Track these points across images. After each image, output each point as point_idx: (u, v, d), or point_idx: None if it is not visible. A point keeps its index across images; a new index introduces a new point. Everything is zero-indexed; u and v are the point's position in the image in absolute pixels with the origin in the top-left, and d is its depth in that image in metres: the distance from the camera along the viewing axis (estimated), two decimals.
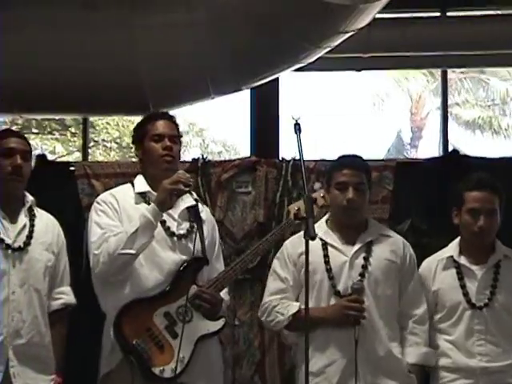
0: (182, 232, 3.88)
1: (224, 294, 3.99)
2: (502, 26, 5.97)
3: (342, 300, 3.85)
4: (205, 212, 4.05)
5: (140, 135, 4.00)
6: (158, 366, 3.64)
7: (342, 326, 3.79)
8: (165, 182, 3.73)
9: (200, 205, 3.99)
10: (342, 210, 3.97)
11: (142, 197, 3.89)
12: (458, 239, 4.15)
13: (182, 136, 4.07)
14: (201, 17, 5.13)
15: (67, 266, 4.08)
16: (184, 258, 3.82)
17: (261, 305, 4.05)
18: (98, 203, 3.93)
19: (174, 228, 3.86)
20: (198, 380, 3.76)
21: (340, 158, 4.12)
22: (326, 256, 3.95)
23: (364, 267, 3.90)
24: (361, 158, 4.12)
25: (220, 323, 3.87)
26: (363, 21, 4.97)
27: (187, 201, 3.88)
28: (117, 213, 3.84)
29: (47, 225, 4.01)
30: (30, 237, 3.88)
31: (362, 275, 3.89)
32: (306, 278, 3.37)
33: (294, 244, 4.04)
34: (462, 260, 4.07)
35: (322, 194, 4.13)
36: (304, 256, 3.81)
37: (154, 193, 3.87)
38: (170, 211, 3.83)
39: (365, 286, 3.87)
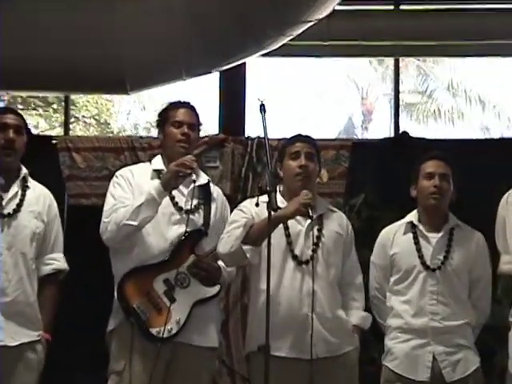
0: (189, 207, 3.94)
1: None
2: (451, 19, 6.17)
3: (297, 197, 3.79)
4: (216, 191, 4.14)
5: (163, 120, 4.09)
6: (156, 327, 3.74)
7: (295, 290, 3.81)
8: (172, 163, 3.83)
9: (212, 185, 4.10)
10: (295, 177, 3.93)
11: (157, 173, 3.98)
12: (415, 210, 4.19)
13: (201, 124, 4.13)
14: (176, 3, 5.20)
15: (60, 235, 4.09)
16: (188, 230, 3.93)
17: (220, 238, 3.90)
18: (116, 177, 4.01)
19: (182, 203, 3.94)
20: (192, 337, 3.85)
21: (292, 136, 4.10)
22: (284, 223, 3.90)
23: (318, 238, 3.94)
24: (311, 137, 4.10)
25: (215, 289, 3.96)
26: (324, 11, 5.06)
27: (200, 180, 3.98)
28: (131, 186, 3.93)
29: (39, 195, 4.02)
30: (19, 205, 3.90)
31: (316, 245, 3.91)
32: (268, 251, 3.43)
33: (250, 204, 3.91)
34: (420, 227, 4.12)
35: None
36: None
37: None
38: (182, 188, 3.92)
39: (319, 255, 3.89)
